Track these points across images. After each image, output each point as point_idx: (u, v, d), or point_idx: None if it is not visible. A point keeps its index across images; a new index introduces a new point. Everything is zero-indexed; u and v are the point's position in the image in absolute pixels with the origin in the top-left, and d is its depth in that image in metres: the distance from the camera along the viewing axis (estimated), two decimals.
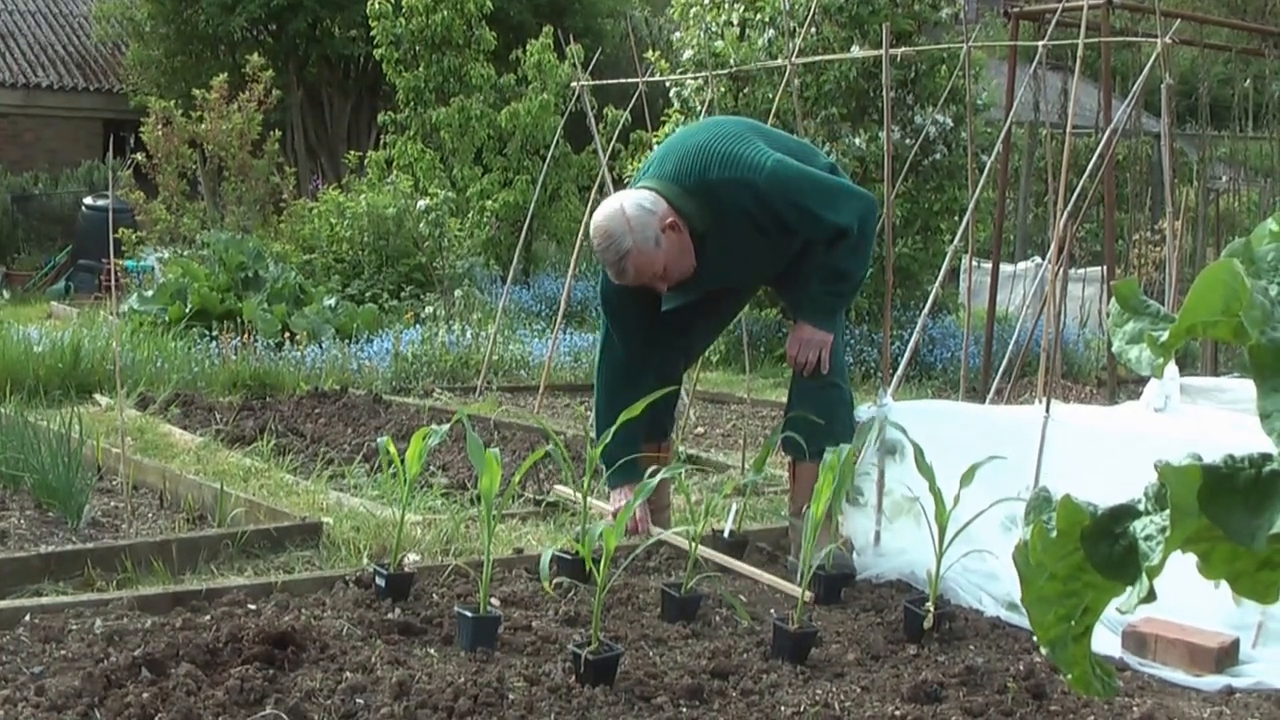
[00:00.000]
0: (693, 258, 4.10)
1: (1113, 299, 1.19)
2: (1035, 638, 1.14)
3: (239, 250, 10.71)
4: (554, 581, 3.80)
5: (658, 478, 3.59)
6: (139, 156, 13.99)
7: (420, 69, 14.81)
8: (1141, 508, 1.08)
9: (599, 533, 3.23)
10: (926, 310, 5.23)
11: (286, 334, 9.46)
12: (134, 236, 13.21)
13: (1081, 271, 12.12)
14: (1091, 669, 1.14)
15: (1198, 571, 1.08)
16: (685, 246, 4.07)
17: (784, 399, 4.65)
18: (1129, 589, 1.05)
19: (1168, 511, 1.03)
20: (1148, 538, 1.04)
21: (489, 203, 14.18)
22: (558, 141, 9.58)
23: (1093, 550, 1.07)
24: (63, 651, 3.12)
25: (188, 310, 9.68)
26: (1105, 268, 8.11)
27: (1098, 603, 1.10)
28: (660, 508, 4.69)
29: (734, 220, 4.11)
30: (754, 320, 10.44)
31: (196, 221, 13.46)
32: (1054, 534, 1.09)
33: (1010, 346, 6.63)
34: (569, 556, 4.03)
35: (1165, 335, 1.11)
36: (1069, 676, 1.15)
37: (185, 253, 11.82)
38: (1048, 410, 4.19)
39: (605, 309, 4.44)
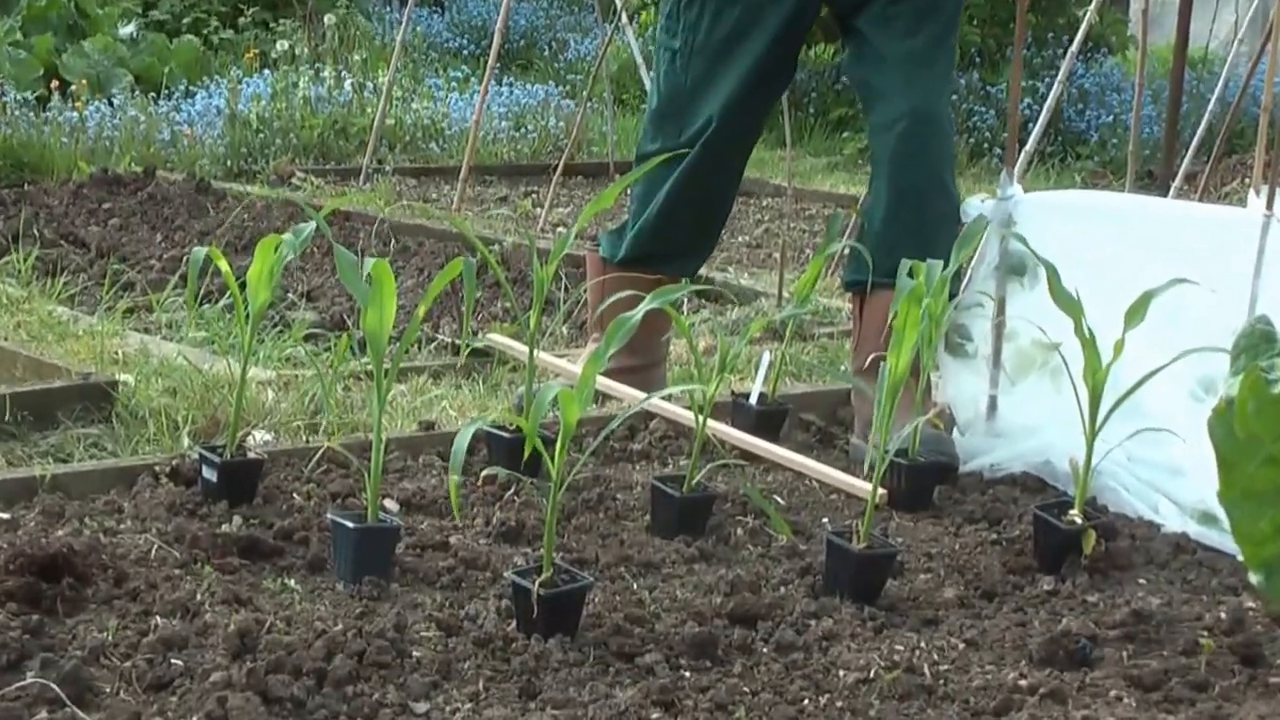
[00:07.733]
0: None
1: None
2: (1241, 558, 1.12)
3: None
4: (485, 475, 3.80)
5: (640, 310, 3.40)
6: None
7: None
8: None
9: (552, 398, 3.16)
10: (1075, 48, 5.18)
11: (55, 84, 9.38)
12: None
13: None
14: None
15: None
16: None
17: (841, 188, 4.61)
18: None
19: None
20: None
21: None
22: None
23: None
24: None
25: None
26: None
27: None
28: (652, 363, 4.69)
29: None
30: (800, 64, 10.33)
31: None
32: (1277, 390, 1.07)
33: (1210, 105, 6.59)
34: (507, 434, 4.02)
35: None
36: None
37: None
38: (1270, 206, 4.16)
39: None
